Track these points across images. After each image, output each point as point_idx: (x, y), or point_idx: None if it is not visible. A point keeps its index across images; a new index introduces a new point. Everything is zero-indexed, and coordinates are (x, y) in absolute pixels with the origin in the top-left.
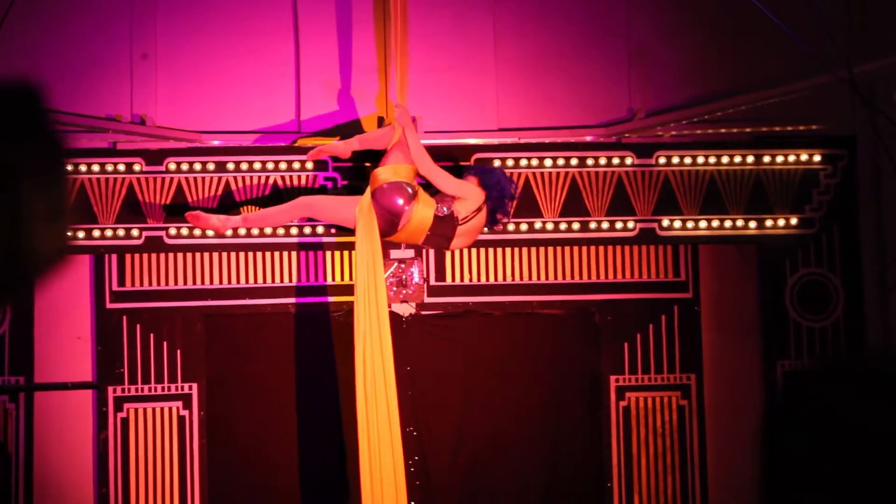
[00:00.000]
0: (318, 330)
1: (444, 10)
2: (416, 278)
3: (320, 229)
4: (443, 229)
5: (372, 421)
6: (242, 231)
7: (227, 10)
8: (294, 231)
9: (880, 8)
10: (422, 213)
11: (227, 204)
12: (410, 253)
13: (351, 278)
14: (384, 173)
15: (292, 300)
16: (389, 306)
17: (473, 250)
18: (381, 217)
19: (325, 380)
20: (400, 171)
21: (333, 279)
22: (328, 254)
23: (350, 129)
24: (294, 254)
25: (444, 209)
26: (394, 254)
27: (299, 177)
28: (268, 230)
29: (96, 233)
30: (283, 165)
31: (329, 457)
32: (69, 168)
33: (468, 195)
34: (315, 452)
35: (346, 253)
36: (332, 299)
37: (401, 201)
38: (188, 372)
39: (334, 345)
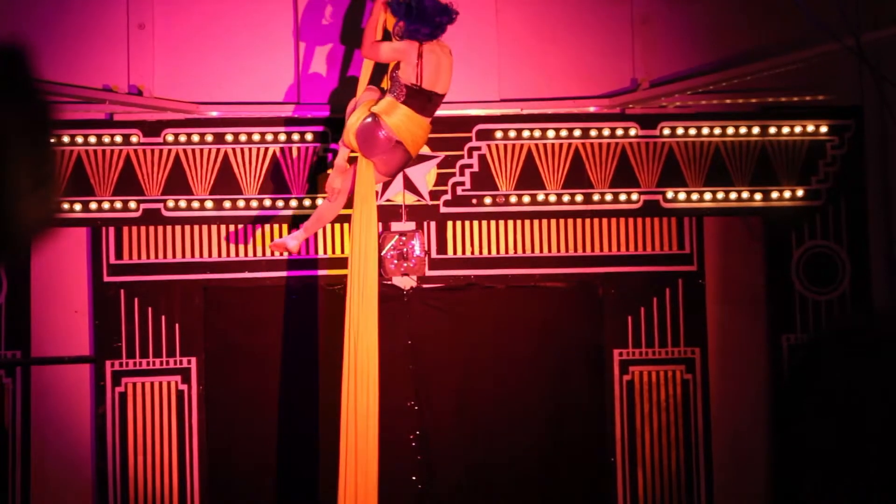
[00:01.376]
0: (309, 303)
1: None
2: (418, 251)
3: (320, 201)
4: (418, 102)
5: (351, 396)
6: (241, 203)
7: None
8: (293, 203)
9: None
10: (396, 114)
11: (227, 175)
12: (411, 225)
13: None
14: (351, 125)
15: (292, 273)
16: (390, 279)
17: (475, 223)
18: (383, 160)
19: (308, 353)
20: (361, 111)
21: (326, 252)
22: (327, 226)
23: (350, 97)
24: (298, 227)
25: (398, 85)
26: (395, 226)
27: (299, 148)
28: (266, 202)
29: (93, 205)
30: (282, 137)
31: (307, 431)
32: (56, 134)
33: (401, 54)
34: (295, 428)
35: (338, 226)
36: (323, 272)
37: (381, 133)
38: (187, 346)
39: (320, 318)
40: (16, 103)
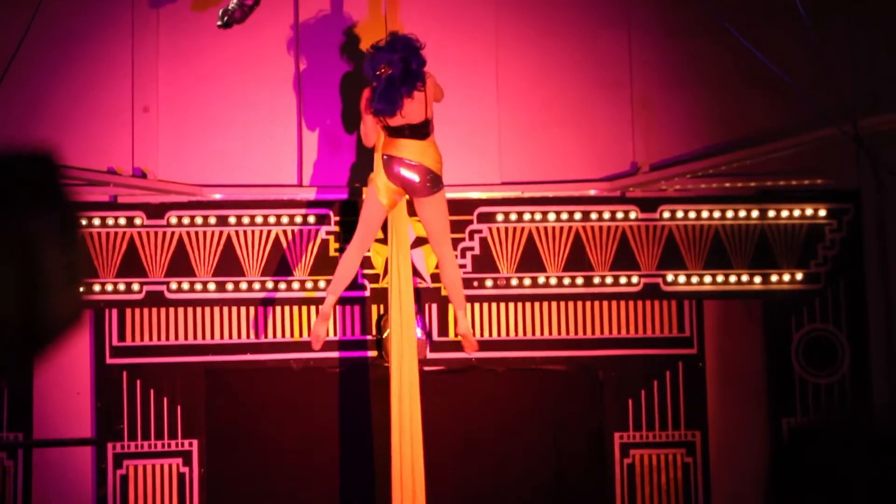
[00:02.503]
0: (324, 385)
1: (447, 62)
2: (419, 334)
3: (322, 284)
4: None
5: (396, 474)
6: (244, 285)
7: (227, 63)
8: (296, 286)
9: (884, 61)
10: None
11: (230, 257)
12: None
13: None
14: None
15: (294, 355)
16: (390, 362)
17: (477, 305)
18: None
19: (329, 435)
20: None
21: (332, 335)
22: (318, 308)
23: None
24: (295, 308)
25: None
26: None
27: (301, 230)
28: (269, 284)
29: (97, 287)
30: (284, 219)
31: None
32: (82, 229)
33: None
34: None
35: (339, 309)
36: (326, 354)
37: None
38: (188, 428)
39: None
40: (48, 207)
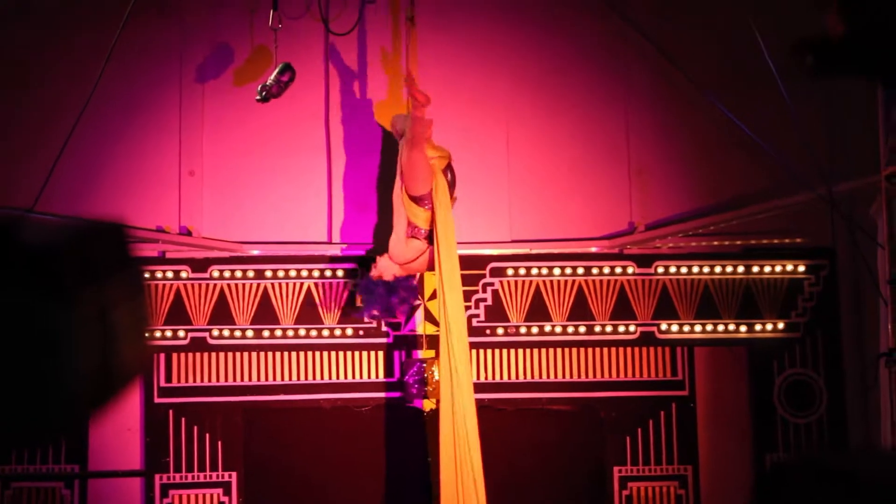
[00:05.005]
0: (334, 423)
1: (462, 131)
2: (437, 376)
3: (350, 331)
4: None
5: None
6: (279, 332)
7: (265, 132)
8: (325, 333)
9: (855, 130)
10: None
11: (266, 307)
12: (432, 353)
13: (375, 375)
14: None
15: (323, 396)
16: (412, 402)
17: (489, 351)
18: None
19: (357, 470)
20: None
21: (347, 377)
22: (355, 354)
23: (378, 239)
24: (325, 353)
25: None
26: (416, 354)
27: (331, 283)
28: (301, 331)
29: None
30: (316, 273)
31: None
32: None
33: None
34: None
35: (365, 353)
36: (354, 395)
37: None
38: (228, 461)
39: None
40: (119, 268)
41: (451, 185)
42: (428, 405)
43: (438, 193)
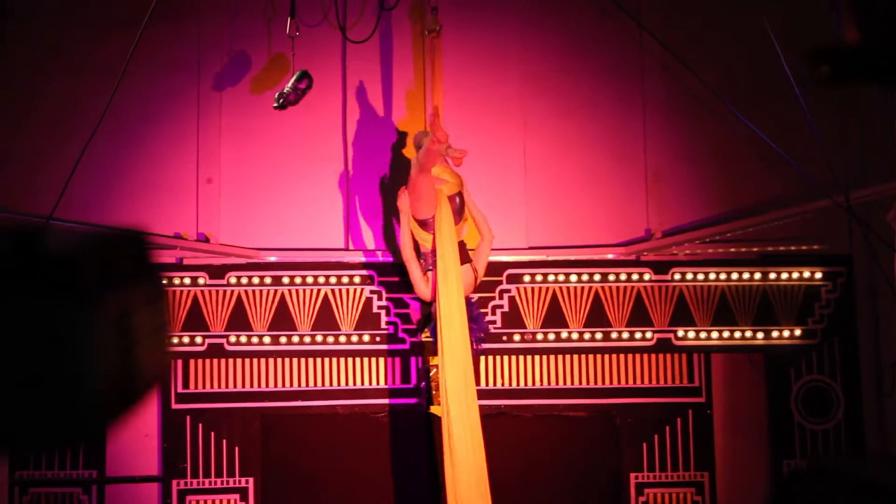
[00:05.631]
0: (351, 429)
1: (480, 140)
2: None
3: (366, 338)
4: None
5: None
6: (296, 339)
7: (282, 140)
8: (342, 339)
9: (872, 138)
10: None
11: (283, 313)
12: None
13: (392, 382)
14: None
15: (340, 402)
16: (429, 408)
17: (506, 357)
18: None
19: (371, 474)
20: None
21: (364, 384)
22: (372, 360)
23: (392, 246)
24: (342, 360)
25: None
26: (433, 360)
27: (348, 289)
28: (318, 338)
29: None
30: (332, 279)
31: None
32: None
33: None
34: None
35: (382, 360)
36: (365, 402)
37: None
38: (245, 467)
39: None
40: (139, 274)
41: (458, 212)
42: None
43: (442, 223)
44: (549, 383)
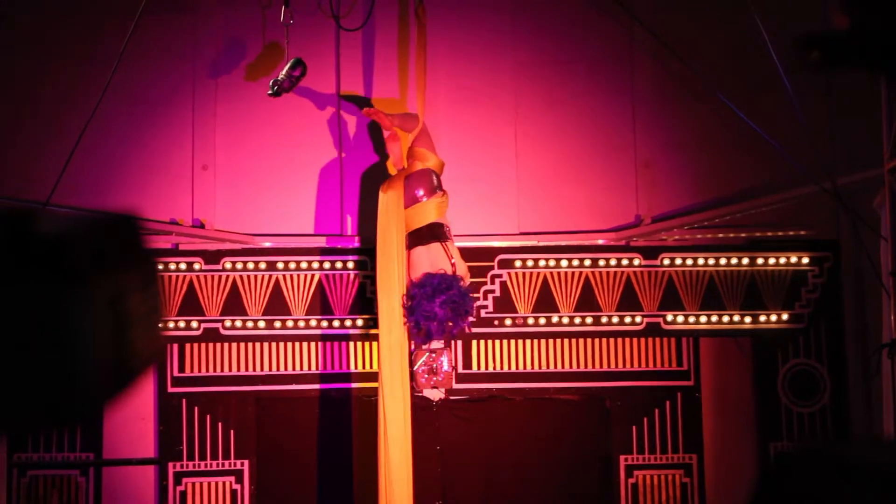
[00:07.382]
0: (344, 412)
1: (472, 128)
2: (446, 366)
3: (360, 322)
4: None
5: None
6: (290, 323)
7: (277, 126)
8: (336, 323)
9: (859, 124)
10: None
11: (278, 298)
12: (440, 344)
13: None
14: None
15: (334, 385)
16: (421, 391)
17: (497, 342)
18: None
19: (344, 458)
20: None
21: (356, 367)
22: (365, 344)
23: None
24: (337, 343)
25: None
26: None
27: (342, 274)
28: (312, 322)
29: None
30: (326, 265)
31: None
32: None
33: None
34: None
35: (375, 344)
36: (356, 385)
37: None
38: (240, 449)
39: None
40: (132, 258)
41: (434, 189)
42: (437, 395)
43: (389, 204)
44: (539, 367)
